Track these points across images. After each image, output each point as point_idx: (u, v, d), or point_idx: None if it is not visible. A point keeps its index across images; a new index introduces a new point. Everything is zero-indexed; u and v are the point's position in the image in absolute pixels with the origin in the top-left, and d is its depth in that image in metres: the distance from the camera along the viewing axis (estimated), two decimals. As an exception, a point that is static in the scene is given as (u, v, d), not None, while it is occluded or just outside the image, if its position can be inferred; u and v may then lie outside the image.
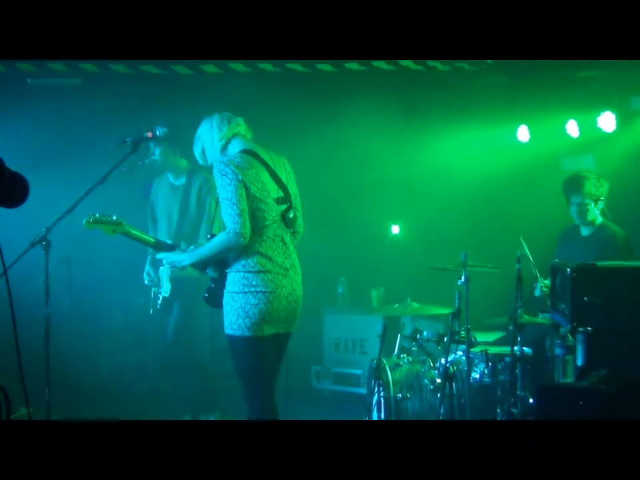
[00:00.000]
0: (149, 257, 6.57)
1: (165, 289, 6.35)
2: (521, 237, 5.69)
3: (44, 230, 5.12)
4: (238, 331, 4.47)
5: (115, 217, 4.75)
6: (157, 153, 6.38)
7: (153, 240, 4.92)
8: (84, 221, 4.75)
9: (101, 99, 7.08)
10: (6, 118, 7.02)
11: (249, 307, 4.44)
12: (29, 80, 7.04)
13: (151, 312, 6.59)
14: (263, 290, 4.46)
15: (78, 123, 7.23)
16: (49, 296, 5.13)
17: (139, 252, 6.67)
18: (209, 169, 6.33)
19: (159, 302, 6.43)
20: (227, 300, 4.52)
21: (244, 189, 4.41)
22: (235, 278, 4.50)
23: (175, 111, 6.81)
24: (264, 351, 4.54)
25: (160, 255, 4.80)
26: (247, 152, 4.58)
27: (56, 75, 6.95)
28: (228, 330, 4.52)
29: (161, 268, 6.38)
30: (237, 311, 4.46)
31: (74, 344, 7.08)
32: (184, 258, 4.72)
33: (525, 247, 5.70)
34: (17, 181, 3.09)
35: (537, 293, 6.03)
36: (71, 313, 6.18)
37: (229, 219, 4.37)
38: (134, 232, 4.92)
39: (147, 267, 6.57)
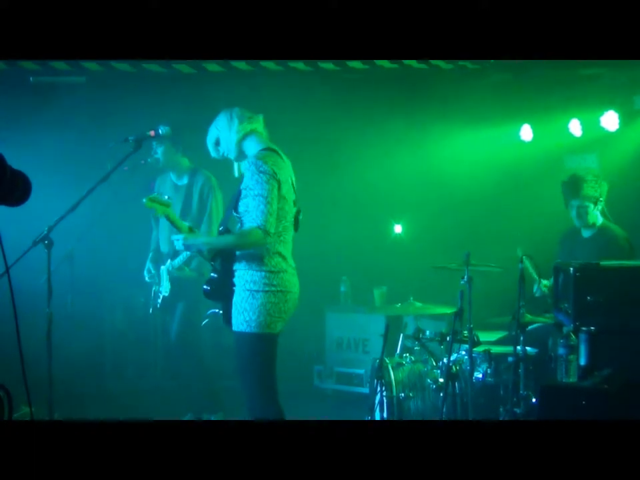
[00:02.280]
0: (150, 254, 6.58)
1: (165, 288, 6.35)
2: (523, 256, 5.49)
3: (46, 228, 5.11)
4: (256, 328, 4.50)
5: (166, 197, 4.92)
6: (159, 151, 6.37)
7: (186, 226, 4.97)
8: (145, 199, 4.89)
9: (104, 98, 7.08)
10: (8, 116, 7.01)
11: (270, 305, 4.50)
12: (31, 78, 7.03)
13: (151, 311, 6.59)
14: (282, 289, 4.55)
15: (80, 121, 7.23)
16: (51, 294, 5.12)
17: (140, 250, 6.68)
18: (210, 168, 6.41)
19: (159, 301, 6.43)
20: (244, 297, 4.53)
21: (278, 190, 4.48)
22: (256, 276, 4.53)
23: (177, 110, 6.82)
24: (274, 348, 4.62)
25: (178, 236, 4.76)
26: (272, 150, 4.64)
27: (58, 74, 6.94)
28: (243, 327, 4.52)
29: (162, 267, 6.39)
30: (258, 308, 4.49)
31: (76, 342, 7.11)
32: (204, 242, 4.75)
33: (527, 263, 5.62)
34: (18, 178, 3.09)
35: (537, 294, 6.02)
36: (73, 311, 6.16)
37: (260, 216, 4.40)
38: (174, 217, 5.04)
39: (148, 264, 6.57)
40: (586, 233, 6.09)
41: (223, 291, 4.64)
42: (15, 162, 3.10)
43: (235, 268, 4.61)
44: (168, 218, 5.03)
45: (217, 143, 4.79)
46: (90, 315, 7.45)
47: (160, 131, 5.54)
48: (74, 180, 5.88)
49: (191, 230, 4.88)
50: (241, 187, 4.54)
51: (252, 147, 4.69)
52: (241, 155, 4.73)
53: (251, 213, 4.43)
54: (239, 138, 4.69)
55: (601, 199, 5.97)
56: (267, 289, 4.51)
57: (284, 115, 6.93)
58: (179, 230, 4.95)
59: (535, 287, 5.99)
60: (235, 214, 4.57)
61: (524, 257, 5.35)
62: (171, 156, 6.41)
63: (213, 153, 4.86)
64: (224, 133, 4.73)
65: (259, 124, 4.75)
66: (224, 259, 4.67)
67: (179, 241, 4.72)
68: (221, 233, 4.73)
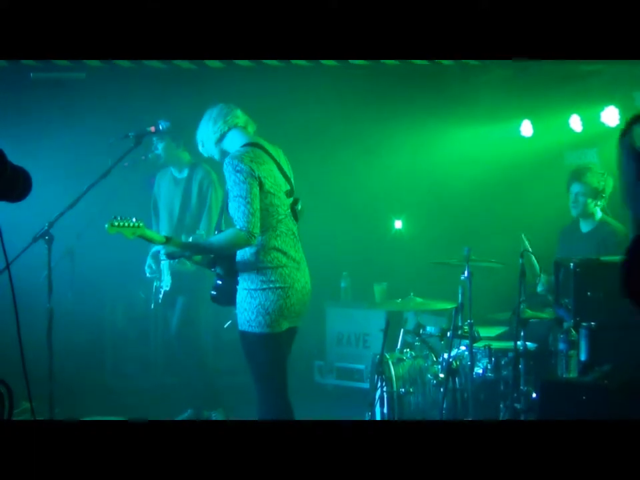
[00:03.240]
0: (151, 249, 6.57)
1: (166, 283, 6.35)
2: (523, 234, 5.67)
3: (47, 224, 5.11)
4: (257, 328, 4.44)
5: (134, 220, 4.68)
6: (159, 147, 6.36)
7: (164, 239, 4.82)
8: (106, 226, 4.60)
9: (104, 93, 7.08)
10: (8, 112, 7.01)
11: (268, 303, 4.42)
12: (31, 74, 7.02)
13: (152, 306, 6.59)
14: (281, 285, 4.45)
15: (80, 117, 7.22)
16: (52, 290, 5.12)
17: (141, 245, 6.67)
18: (210, 162, 6.40)
19: (160, 296, 6.43)
20: (243, 297, 4.48)
21: (258, 187, 4.37)
22: (252, 274, 4.46)
23: (177, 105, 6.80)
24: (280, 346, 4.55)
25: (157, 247, 4.71)
26: (254, 145, 4.54)
27: (59, 69, 6.93)
28: (245, 327, 4.48)
29: (162, 261, 6.37)
30: (256, 308, 4.43)
31: (77, 338, 7.11)
32: (185, 247, 4.64)
33: (527, 244, 5.69)
34: (19, 174, 3.09)
35: (539, 289, 6.02)
36: (74, 307, 6.17)
37: (242, 218, 4.32)
38: (149, 234, 4.76)
39: (149, 260, 6.56)
40: (585, 228, 6.08)
41: (229, 295, 4.58)
42: (16, 158, 3.11)
43: (236, 269, 4.55)
44: (145, 238, 4.74)
45: (202, 145, 4.76)
46: (90, 310, 7.45)
47: (160, 127, 5.55)
48: (74, 176, 5.89)
49: (167, 239, 4.69)
50: (226, 188, 4.50)
51: (233, 144, 4.61)
52: (224, 155, 4.63)
53: (233, 214, 4.37)
54: (217, 138, 4.64)
55: (603, 194, 5.95)
56: (264, 286, 4.43)
57: (284, 111, 6.93)
58: (156, 243, 4.80)
59: (540, 286, 5.98)
60: (228, 215, 4.53)
61: (524, 252, 5.36)
62: (171, 151, 6.41)
63: (203, 153, 4.83)
64: (204, 134, 4.70)
65: (237, 119, 4.65)
66: (223, 263, 4.61)
67: (160, 251, 4.68)
68: (215, 235, 4.67)
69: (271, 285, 4.44)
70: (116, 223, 4.62)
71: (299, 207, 4.68)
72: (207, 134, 4.68)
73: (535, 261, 5.81)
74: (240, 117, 4.68)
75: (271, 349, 4.50)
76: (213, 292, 4.71)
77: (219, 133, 4.64)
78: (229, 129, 4.64)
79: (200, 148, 4.80)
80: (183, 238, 6.22)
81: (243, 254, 4.50)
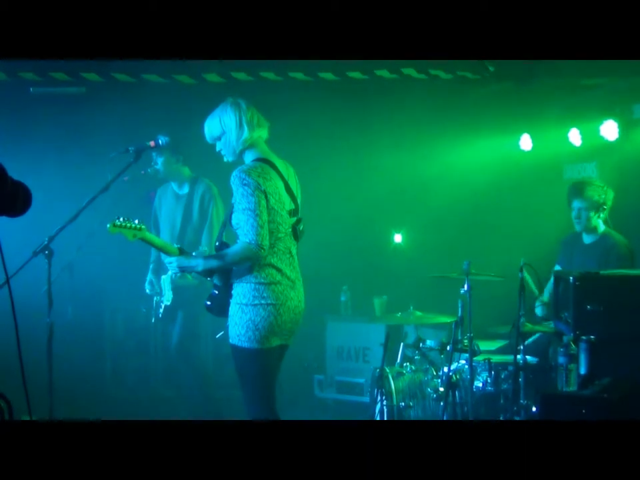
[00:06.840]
0: (151, 266, 6.58)
1: (167, 298, 6.35)
2: (524, 265, 5.51)
3: (46, 239, 5.12)
4: (246, 343, 4.43)
5: (136, 222, 4.66)
6: (159, 162, 6.39)
7: (176, 248, 4.75)
8: (108, 225, 4.59)
9: (103, 108, 7.09)
10: (8, 127, 7.03)
11: (259, 319, 4.41)
12: (31, 89, 7.04)
13: (153, 320, 6.59)
14: (273, 302, 4.43)
15: (80, 132, 7.24)
16: (52, 304, 5.13)
17: (141, 260, 6.68)
18: (210, 176, 6.43)
19: (161, 310, 6.43)
20: (235, 311, 4.48)
21: (265, 200, 4.36)
22: (245, 289, 4.45)
23: (177, 120, 6.83)
24: (270, 362, 4.53)
25: (170, 259, 4.67)
26: (264, 161, 4.51)
27: (58, 84, 6.95)
28: (235, 341, 4.47)
29: (163, 277, 6.38)
30: (246, 323, 4.41)
31: (76, 352, 7.10)
32: (198, 263, 4.59)
33: (527, 275, 5.62)
34: (19, 189, 3.10)
35: (538, 312, 6.01)
36: (74, 321, 6.18)
37: (251, 231, 4.30)
38: (150, 237, 4.76)
39: (150, 276, 6.57)
40: (587, 239, 6.07)
41: (222, 306, 4.59)
42: (16, 173, 3.12)
43: (231, 282, 4.55)
44: (146, 242, 4.73)
45: (219, 139, 4.64)
46: (90, 324, 7.45)
47: (160, 141, 5.56)
48: (74, 190, 5.90)
49: (181, 252, 4.68)
50: (232, 201, 4.48)
51: (249, 156, 4.58)
52: (239, 161, 4.61)
53: (242, 227, 4.35)
54: (244, 147, 4.57)
55: (605, 206, 5.95)
56: (255, 302, 4.41)
57: (283, 125, 6.94)
58: (167, 253, 4.74)
59: (537, 303, 5.97)
60: (230, 227, 4.52)
61: (524, 267, 5.36)
62: (170, 166, 6.43)
63: (209, 141, 4.71)
64: (229, 136, 4.58)
65: (264, 130, 4.63)
66: (221, 274, 4.60)
67: (172, 264, 4.61)
68: (217, 248, 4.65)
69: (262, 301, 4.43)
70: (118, 223, 4.60)
71: (301, 227, 4.64)
72: (232, 137, 4.58)
73: (534, 285, 5.80)
74: (267, 128, 4.64)
75: (260, 364, 4.49)
76: (207, 302, 4.71)
77: (248, 143, 4.57)
78: (257, 139, 4.58)
79: (210, 138, 4.67)
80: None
81: (238, 267, 4.51)
